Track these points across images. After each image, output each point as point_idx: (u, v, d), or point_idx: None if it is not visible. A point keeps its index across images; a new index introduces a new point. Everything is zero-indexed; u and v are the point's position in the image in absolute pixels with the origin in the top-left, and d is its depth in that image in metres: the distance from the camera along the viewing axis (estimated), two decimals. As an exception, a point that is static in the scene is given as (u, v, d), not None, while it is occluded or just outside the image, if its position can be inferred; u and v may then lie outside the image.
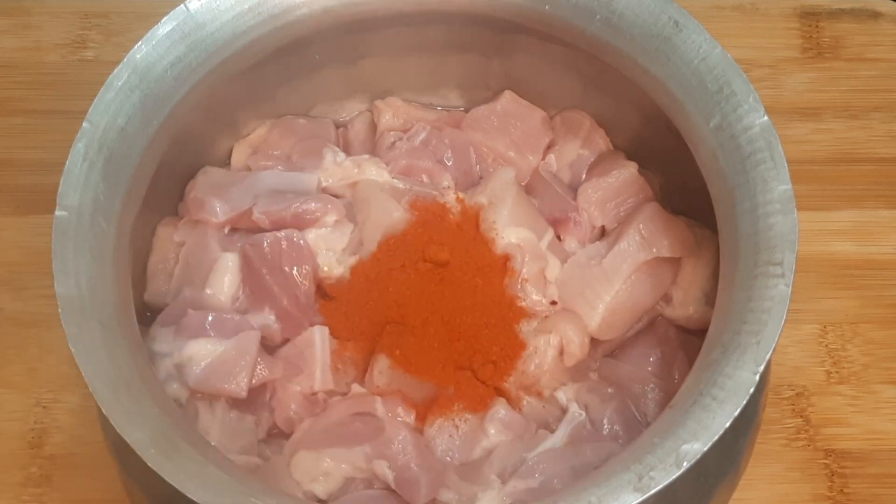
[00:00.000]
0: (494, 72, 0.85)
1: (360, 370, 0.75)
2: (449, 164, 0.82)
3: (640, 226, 0.77)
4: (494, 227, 0.78)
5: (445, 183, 0.81)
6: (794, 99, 1.02)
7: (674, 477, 0.58)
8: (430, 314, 0.75)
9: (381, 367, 0.73)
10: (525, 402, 0.75)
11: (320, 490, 0.71)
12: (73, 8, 1.07)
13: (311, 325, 0.75)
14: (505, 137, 0.84)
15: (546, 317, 0.76)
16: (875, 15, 1.06)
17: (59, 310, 0.63)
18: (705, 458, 0.59)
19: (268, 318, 0.75)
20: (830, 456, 0.88)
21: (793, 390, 0.90)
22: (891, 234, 0.96)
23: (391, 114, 0.86)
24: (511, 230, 0.77)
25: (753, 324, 0.62)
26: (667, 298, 0.78)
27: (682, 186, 0.78)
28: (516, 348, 0.75)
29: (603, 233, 0.81)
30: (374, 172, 0.80)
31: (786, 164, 0.66)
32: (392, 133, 0.84)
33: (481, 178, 0.83)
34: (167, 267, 0.79)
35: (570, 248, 0.80)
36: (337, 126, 0.87)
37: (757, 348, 0.61)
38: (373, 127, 0.86)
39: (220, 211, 0.77)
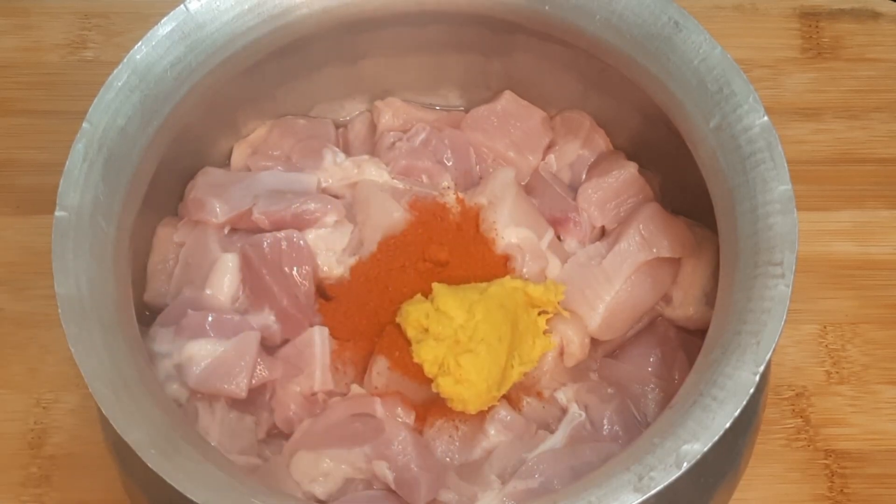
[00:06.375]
0: (494, 72, 0.85)
1: (360, 370, 0.75)
2: (449, 164, 0.82)
3: (640, 226, 0.77)
4: (494, 228, 0.78)
5: (445, 183, 0.81)
6: (794, 99, 1.02)
7: (674, 477, 0.58)
8: (430, 315, 0.75)
9: (380, 369, 0.73)
10: (525, 402, 0.75)
11: (320, 490, 0.71)
12: (72, 8, 1.07)
13: (311, 325, 0.75)
14: (505, 137, 0.84)
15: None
16: (875, 15, 1.06)
17: (59, 310, 0.63)
18: (705, 458, 0.59)
19: (268, 318, 0.75)
20: (830, 456, 0.88)
21: (793, 390, 0.90)
22: (891, 234, 0.96)
23: (391, 114, 0.86)
24: (511, 230, 0.77)
25: (753, 324, 0.62)
26: (667, 298, 0.78)
27: (682, 186, 0.78)
28: (516, 348, 0.75)
29: (603, 233, 0.81)
30: (374, 173, 0.80)
31: (786, 164, 0.66)
32: (392, 133, 0.84)
33: (481, 178, 0.83)
34: (167, 267, 0.79)
35: (570, 248, 0.80)
36: (337, 126, 0.87)
37: (757, 348, 0.61)
38: (373, 127, 0.86)
39: (219, 211, 0.77)
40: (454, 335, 0.70)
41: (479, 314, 0.70)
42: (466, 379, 0.69)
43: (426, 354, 0.70)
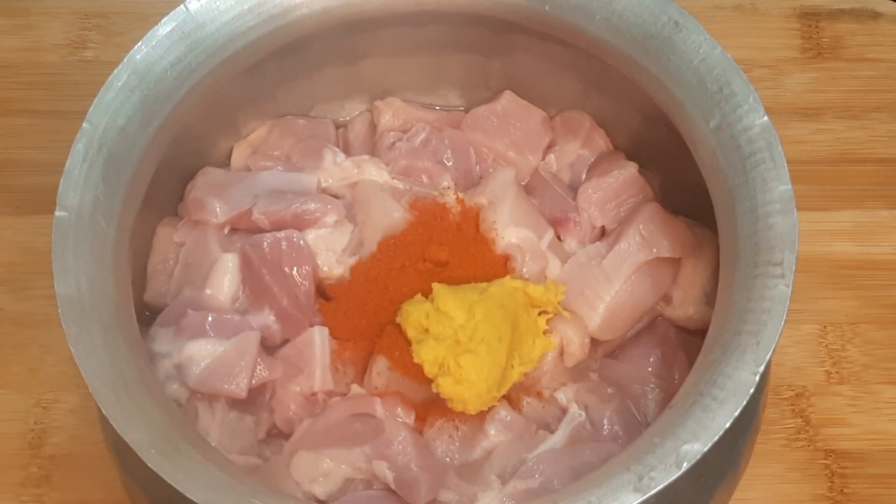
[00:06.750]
0: (494, 72, 0.85)
1: (360, 370, 0.75)
2: (449, 164, 0.82)
3: (640, 226, 0.77)
4: (494, 228, 0.78)
5: (445, 183, 0.81)
6: (794, 99, 1.02)
7: (674, 477, 0.58)
8: (430, 315, 0.75)
9: (380, 369, 0.73)
10: (525, 402, 0.75)
11: (320, 490, 0.71)
12: (72, 8, 1.07)
13: (311, 325, 0.75)
14: (505, 137, 0.84)
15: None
16: (875, 15, 1.06)
17: (59, 310, 0.63)
18: (705, 458, 0.59)
19: (268, 318, 0.75)
20: (830, 456, 0.88)
21: (793, 390, 0.90)
22: (891, 234, 0.96)
23: (391, 114, 0.86)
24: (511, 230, 0.77)
25: (753, 324, 0.62)
26: (667, 298, 0.78)
27: (682, 186, 0.78)
28: (516, 348, 0.75)
29: (603, 233, 0.81)
30: (374, 173, 0.80)
31: (786, 165, 0.66)
32: (392, 133, 0.84)
33: (481, 178, 0.83)
34: (167, 267, 0.79)
35: (570, 248, 0.80)
36: (337, 126, 0.87)
37: (757, 348, 0.61)
38: (373, 127, 0.86)
39: (219, 211, 0.77)
40: (454, 335, 0.70)
41: (479, 314, 0.70)
42: (466, 379, 0.69)
43: (426, 355, 0.70)
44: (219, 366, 0.72)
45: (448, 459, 0.72)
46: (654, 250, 0.76)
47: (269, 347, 0.75)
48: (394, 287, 0.76)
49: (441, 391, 0.70)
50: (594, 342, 0.77)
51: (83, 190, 0.67)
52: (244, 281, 0.76)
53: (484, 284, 0.73)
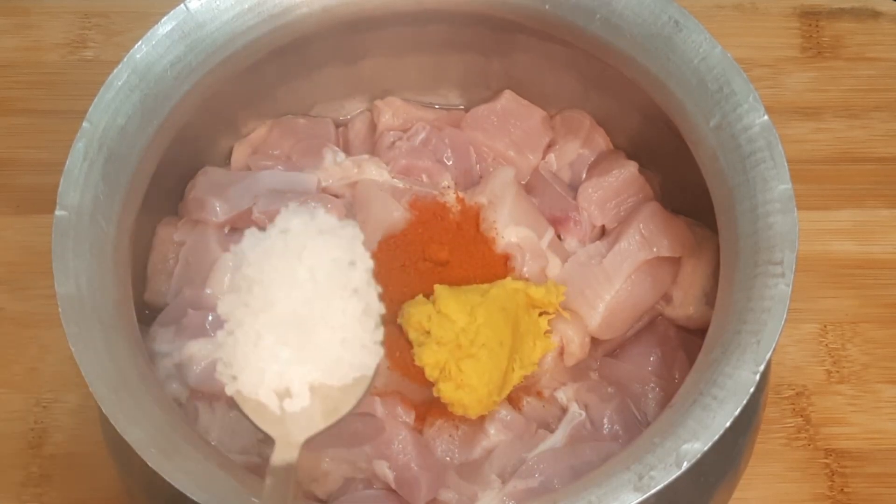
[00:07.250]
0: (494, 71, 0.85)
1: (360, 370, 0.75)
2: (449, 163, 0.82)
3: (641, 225, 0.77)
4: (494, 227, 0.78)
5: (445, 182, 0.81)
6: (794, 98, 1.02)
7: (674, 477, 0.59)
8: (430, 314, 0.75)
9: (380, 369, 0.73)
10: (525, 401, 0.75)
11: (320, 490, 0.71)
12: (72, 8, 1.07)
13: (311, 324, 0.75)
14: (505, 137, 0.84)
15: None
16: (875, 14, 1.06)
17: (59, 310, 0.63)
18: (705, 457, 0.59)
19: (268, 317, 0.75)
20: (830, 455, 0.88)
21: (793, 390, 0.90)
22: (891, 233, 0.96)
23: (391, 113, 0.86)
24: (511, 229, 0.77)
25: (753, 323, 0.62)
26: (667, 298, 0.78)
27: (682, 186, 0.78)
28: (516, 348, 0.75)
29: (603, 232, 0.81)
30: (374, 172, 0.80)
31: (786, 164, 0.66)
32: (392, 133, 0.84)
33: (481, 177, 0.83)
34: (167, 267, 0.79)
35: (570, 247, 0.80)
36: (337, 126, 0.87)
37: (757, 348, 0.61)
38: (373, 126, 0.86)
39: (220, 211, 0.77)
40: (456, 339, 0.70)
41: (480, 318, 0.70)
42: (467, 384, 0.69)
43: (428, 358, 0.69)
44: (219, 365, 0.72)
45: (448, 459, 0.72)
46: (655, 249, 0.76)
47: (269, 347, 0.75)
48: (394, 286, 0.75)
49: (442, 396, 0.70)
50: (594, 341, 0.77)
51: (83, 189, 0.67)
52: (244, 280, 0.76)
53: (486, 286, 0.73)
